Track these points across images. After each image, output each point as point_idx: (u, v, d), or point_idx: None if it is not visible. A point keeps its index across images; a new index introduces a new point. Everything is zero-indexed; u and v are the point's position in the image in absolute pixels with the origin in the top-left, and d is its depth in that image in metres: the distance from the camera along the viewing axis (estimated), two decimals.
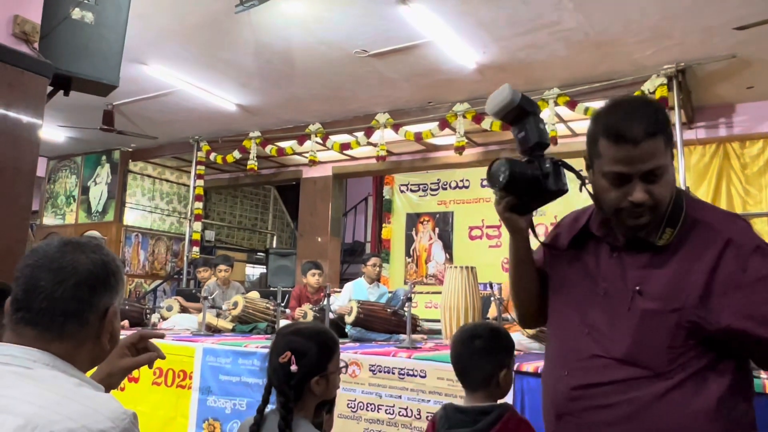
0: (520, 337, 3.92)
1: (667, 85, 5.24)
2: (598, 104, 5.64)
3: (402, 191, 9.39)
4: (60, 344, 1.00)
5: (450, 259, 8.80)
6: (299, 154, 7.72)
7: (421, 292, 7.34)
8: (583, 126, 6.57)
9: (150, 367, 1.38)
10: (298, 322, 2.26)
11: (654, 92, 5.27)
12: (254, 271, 11.33)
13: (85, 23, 3.04)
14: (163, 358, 1.42)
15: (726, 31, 4.60)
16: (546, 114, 5.78)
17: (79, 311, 1.02)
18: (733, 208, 6.27)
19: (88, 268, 1.04)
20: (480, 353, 1.78)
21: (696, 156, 6.44)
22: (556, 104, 5.73)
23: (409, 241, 9.29)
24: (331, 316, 4.64)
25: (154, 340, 1.41)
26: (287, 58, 5.50)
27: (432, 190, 9.13)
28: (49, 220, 9.38)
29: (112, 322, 1.08)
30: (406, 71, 5.71)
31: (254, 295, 6.00)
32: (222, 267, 6.09)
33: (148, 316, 5.73)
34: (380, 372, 3.23)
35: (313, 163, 7.28)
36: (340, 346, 1.75)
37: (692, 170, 6.37)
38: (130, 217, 8.94)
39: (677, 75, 5.25)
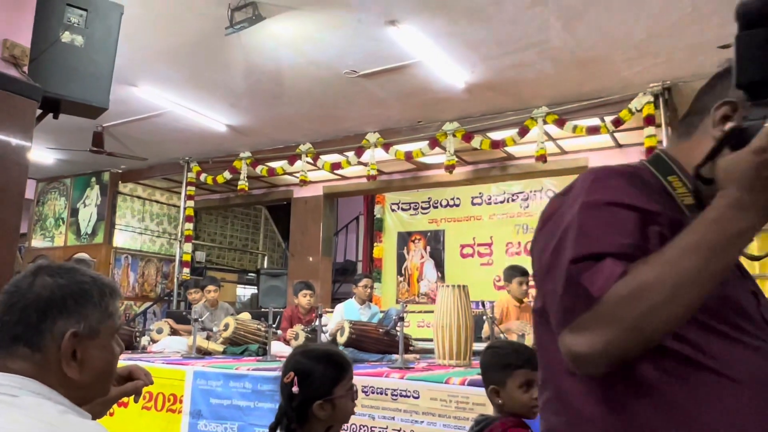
0: None
1: (653, 102, 5.31)
2: (586, 122, 5.71)
3: (393, 210, 9.40)
4: (14, 363, 0.98)
5: (442, 278, 8.79)
6: (290, 174, 7.73)
7: (414, 312, 7.31)
8: (572, 143, 6.63)
9: (136, 400, 1.35)
10: (312, 343, 2.23)
11: (641, 110, 5.33)
12: (245, 292, 11.26)
13: (74, 46, 3.04)
14: (150, 383, 1.40)
15: (710, 49, 4.67)
16: (535, 132, 5.83)
17: (27, 335, 0.99)
18: None
19: (38, 291, 1.01)
20: None
21: None
22: (545, 122, 5.78)
23: (401, 259, 9.27)
24: (325, 337, 4.61)
25: (142, 364, 1.39)
26: (277, 78, 5.53)
27: (423, 208, 9.14)
28: (37, 242, 9.30)
29: (77, 348, 1.02)
30: (395, 91, 5.75)
31: (245, 316, 5.96)
32: (210, 287, 6.05)
33: (138, 339, 5.66)
34: (373, 393, 3.20)
35: (303, 183, 7.28)
36: None
37: None
38: (120, 239, 8.88)
39: (663, 93, 5.32)
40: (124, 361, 4.16)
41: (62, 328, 1.01)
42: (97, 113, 3.23)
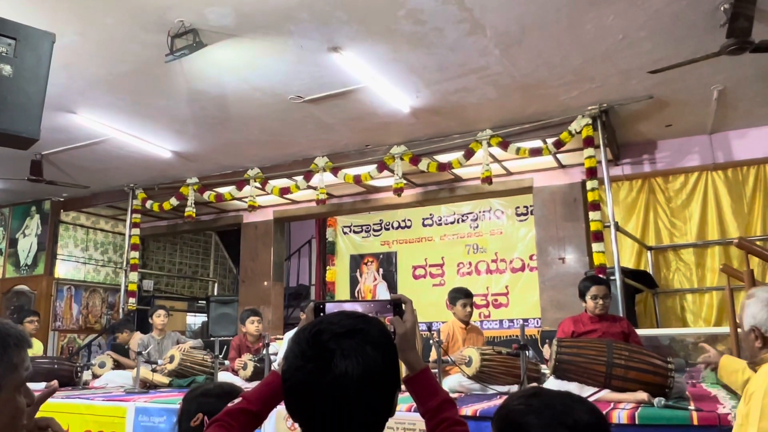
0: (460, 378, 3.92)
1: (592, 124, 5.48)
2: (529, 144, 5.85)
3: (345, 233, 9.39)
4: None
5: None
6: (239, 199, 7.63)
7: None
8: (517, 165, 6.78)
9: None
10: (203, 383, 2.16)
11: (580, 132, 5.50)
12: (196, 320, 11.01)
13: (2, 76, 2.95)
14: None
15: (642, 74, 4.86)
16: (480, 154, 5.94)
17: None
18: (661, 240, 6.54)
19: None
20: None
21: (624, 191, 6.72)
22: (490, 145, 5.89)
23: (354, 282, 9.25)
24: (275, 366, 4.53)
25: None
26: (222, 104, 5.48)
27: (375, 230, 9.17)
28: None
29: None
30: (342, 116, 5.77)
31: (196, 342, 5.80)
32: (161, 312, 5.84)
33: (79, 374, 5.45)
34: None
35: (252, 208, 7.20)
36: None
37: (621, 205, 6.63)
38: (62, 269, 8.57)
39: (601, 115, 5.50)
40: (61, 400, 3.96)
41: None
42: (28, 144, 3.12)
